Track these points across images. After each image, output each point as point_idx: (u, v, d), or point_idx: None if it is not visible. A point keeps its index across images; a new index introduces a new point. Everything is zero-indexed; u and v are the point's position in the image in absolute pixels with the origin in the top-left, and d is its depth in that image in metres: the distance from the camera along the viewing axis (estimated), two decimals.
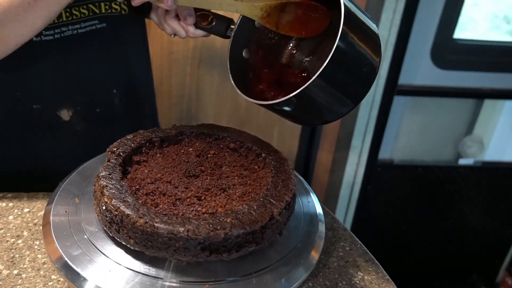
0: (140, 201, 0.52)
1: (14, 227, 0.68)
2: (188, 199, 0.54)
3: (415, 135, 1.70)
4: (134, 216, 0.49)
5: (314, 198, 0.65)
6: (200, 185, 0.57)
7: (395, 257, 1.84)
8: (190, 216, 0.51)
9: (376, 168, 1.65)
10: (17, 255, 0.64)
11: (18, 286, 0.59)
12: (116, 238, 0.51)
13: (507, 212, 1.82)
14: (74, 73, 0.80)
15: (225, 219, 0.50)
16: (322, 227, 0.60)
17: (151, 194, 0.55)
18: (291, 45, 0.68)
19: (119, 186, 0.53)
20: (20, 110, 0.79)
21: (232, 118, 1.46)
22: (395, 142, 1.69)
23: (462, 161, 1.72)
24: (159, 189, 0.56)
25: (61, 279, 0.61)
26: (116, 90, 0.86)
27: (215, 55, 1.34)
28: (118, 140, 0.63)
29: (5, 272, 0.61)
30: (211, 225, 0.49)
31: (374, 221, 1.78)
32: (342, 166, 1.63)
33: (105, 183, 0.53)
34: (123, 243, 0.51)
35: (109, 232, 0.52)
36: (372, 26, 0.57)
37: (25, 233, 0.67)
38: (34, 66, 0.76)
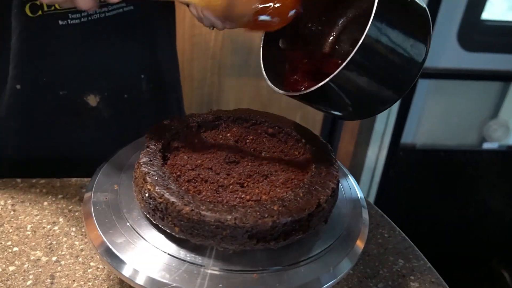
0: (183, 188, 0.51)
1: (50, 214, 0.68)
2: (231, 186, 0.53)
3: (438, 119, 1.67)
4: (180, 204, 0.48)
5: (354, 182, 0.64)
6: (241, 171, 0.56)
7: (416, 241, 1.83)
8: (235, 203, 0.50)
9: (398, 152, 1.63)
10: (55, 242, 0.63)
11: (58, 273, 0.58)
12: (160, 225, 0.50)
13: None
14: (101, 58, 0.78)
15: (272, 207, 0.48)
16: (365, 214, 0.58)
17: (193, 181, 0.54)
18: (333, 34, 0.65)
19: (161, 173, 0.52)
20: (46, 96, 0.78)
21: (253, 102, 1.44)
22: (418, 126, 1.66)
23: (486, 145, 1.69)
24: (201, 175, 0.54)
25: (100, 266, 0.60)
26: (144, 75, 0.84)
27: (237, 38, 1.32)
28: (155, 125, 0.61)
29: (44, 259, 0.60)
30: (258, 213, 0.47)
31: (395, 205, 1.77)
32: (364, 150, 1.61)
33: (146, 169, 0.52)
34: (167, 231, 0.50)
35: (152, 220, 0.51)
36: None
37: (60, 219, 0.67)
38: (60, 51, 0.75)
